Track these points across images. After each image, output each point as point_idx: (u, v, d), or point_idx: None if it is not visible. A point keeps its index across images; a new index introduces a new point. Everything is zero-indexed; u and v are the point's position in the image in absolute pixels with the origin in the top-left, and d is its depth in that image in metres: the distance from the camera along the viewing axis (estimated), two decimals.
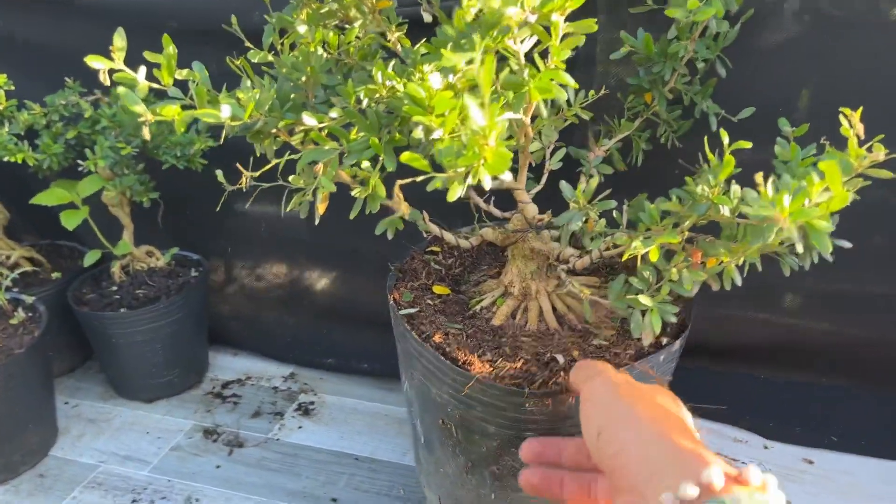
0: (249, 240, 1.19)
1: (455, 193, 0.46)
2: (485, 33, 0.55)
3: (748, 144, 0.56)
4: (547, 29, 0.54)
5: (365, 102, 0.55)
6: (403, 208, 0.64)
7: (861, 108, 0.54)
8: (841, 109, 0.54)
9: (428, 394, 0.65)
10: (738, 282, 0.58)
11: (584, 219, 0.59)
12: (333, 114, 0.54)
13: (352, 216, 0.65)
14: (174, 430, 1.05)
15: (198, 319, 1.15)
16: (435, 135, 0.50)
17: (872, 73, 0.81)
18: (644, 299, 0.57)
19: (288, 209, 0.69)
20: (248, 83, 0.61)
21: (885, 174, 0.54)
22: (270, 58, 0.65)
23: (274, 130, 0.62)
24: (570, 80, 0.55)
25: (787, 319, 0.94)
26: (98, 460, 1.00)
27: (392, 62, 0.56)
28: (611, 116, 0.80)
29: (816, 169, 0.57)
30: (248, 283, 1.24)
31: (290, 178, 0.66)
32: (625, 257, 0.54)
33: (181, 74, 0.58)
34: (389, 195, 0.66)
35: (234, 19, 0.68)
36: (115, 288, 1.12)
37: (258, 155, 0.66)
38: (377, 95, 0.55)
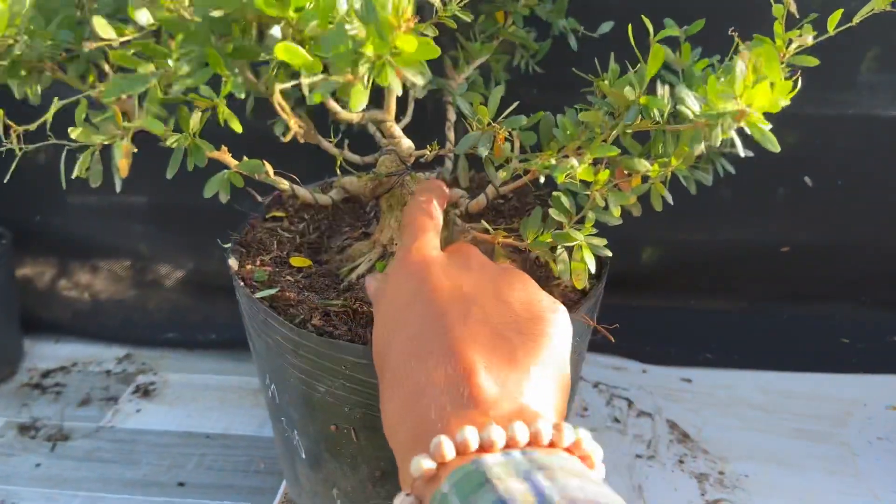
0: (61, 204, 0.98)
1: (360, 101, 0.31)
2: None
3: (677, 31, 0.47)
4: None
5: (186, 2, 0.38)
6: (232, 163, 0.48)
7: None
8: None
9: (311, 396, 0.50)
10: (670, 199, 0.50)
11: (490, 141, 0.47)
12: (142, 18, 0.36)
13: (169, 175, 0.48)
14: None
15: (4, 301, 0.93)
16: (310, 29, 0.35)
17: None
18: (574, 234, 0.47)
19: (74, 175, 0.50)
20: None
21: (812, 61, 0.48)
22: None
23: (44, 59, 0.43)
24: None
25: (656, 252, 0.92)
26: None
27: None
28: (468, 39, 0.69)
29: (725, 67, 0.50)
30: (66, 256, 1.03)
31: (72, 130, 0.46)
32: (560, 179, 0.43)
33: None
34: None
35: None
36: None
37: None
38: None
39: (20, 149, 0.50)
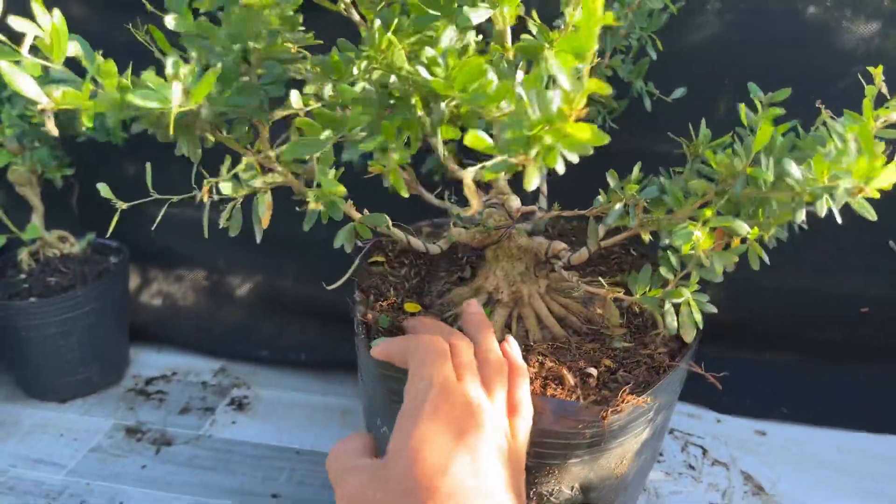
0: (175, 226, 1.02)
1: (533, 180, 0.36)
2: None
3: (781, 111, 0.52)
4: None
5: (358, 86, 0.44)
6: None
7: (881, 66, 0.51)
8: (867, 68, 0.52)
9: None
10: (766, 259, 0.54)
11: (628, 210, 0.52)
12: (326, 91, 0.42)
13: (306, 227, 0.53)
14: (93, 431, 0.92)
15: (118, 311, 1.02)
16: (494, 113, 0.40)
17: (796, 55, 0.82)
18: (683, 292, 0.51)
19: (222, 224, 0.55)
20: (173, 60, 0.46)
21: None
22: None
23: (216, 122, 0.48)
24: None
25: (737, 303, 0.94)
26: (7, 464, 0.86)
27: (395, 18, 0.44)
28: None
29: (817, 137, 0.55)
30: (172, 273, 1.12)
31: (222, 184, 0.52)
32: (685, 249, 0.48)
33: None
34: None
35: None
36: (22, 276, 0.97)
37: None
38: (373, 66, 0.44)
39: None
